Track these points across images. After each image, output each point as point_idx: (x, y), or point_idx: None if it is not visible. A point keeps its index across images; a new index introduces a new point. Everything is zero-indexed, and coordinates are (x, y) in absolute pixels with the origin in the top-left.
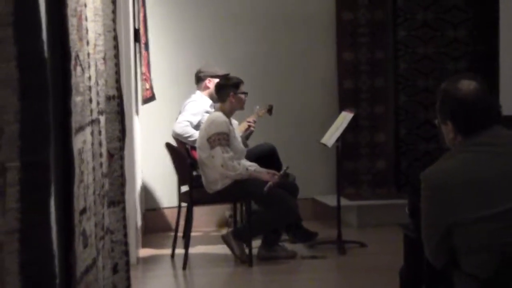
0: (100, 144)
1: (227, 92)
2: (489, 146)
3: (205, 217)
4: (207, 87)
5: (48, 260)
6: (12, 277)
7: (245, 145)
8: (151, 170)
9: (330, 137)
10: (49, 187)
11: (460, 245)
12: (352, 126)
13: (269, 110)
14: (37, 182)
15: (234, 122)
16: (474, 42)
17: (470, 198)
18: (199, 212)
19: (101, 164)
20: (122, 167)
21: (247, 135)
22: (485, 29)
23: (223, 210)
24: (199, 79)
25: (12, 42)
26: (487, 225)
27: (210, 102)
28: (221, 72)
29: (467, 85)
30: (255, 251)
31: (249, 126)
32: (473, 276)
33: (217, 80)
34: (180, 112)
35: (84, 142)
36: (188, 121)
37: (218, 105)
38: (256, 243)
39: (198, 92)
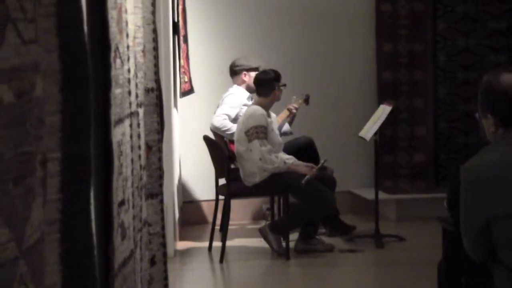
0: (139, 136)
1: (272, 86)
2: None
3: (242, 210)
4: (244, 81)
5: (88, 251)
6: (52, 267)
7: (290, 133)
8: (189, 162)
9: (369, 131)
10: (90, 178)
11: (500, 238)
12: (391, 119)
13: (306, 100)
14: (78, 173)
15: (272, 115)
16: None
17: (510, 192)
18: (236, 205)
19: (139, 157)
20: (160, 159)
21: (290, 121)
22: None
23: (260, 203)
24: (235, 73)
25: (55, 33)
26: None
27: (247, 94)
28: (256, 63)
29: (509, 78)
30: (292, 244)
31: (289, 110)
32: None
33: (252, 72)
34: (218, 106)
35: (123, 134)
36: (226, 114)
37: (256, 98)
38: (293, 236)
39: (235, 85)
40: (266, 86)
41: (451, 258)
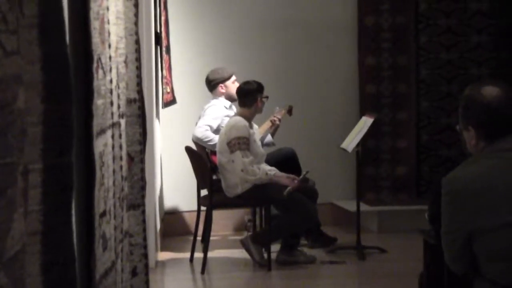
0: (121, 147)
1: (255, 96)
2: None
3: (224, 221)
4: (222, 93)
5: (69, 262)
6: (33, 279)
7: (272, 144)
8: (171, 173)
9: (350, 142)
10: (71, 189)
11: (482, 251)
12: (373, 132)
13: (289, 111)
14: (60, 184)
15: (254, 126)
16: (498, 48)
17: (492, 205)
18: (218, 216)
19: (121, 167)
20: (142, 170)
21: (272, 132)
22: (508, 34)
23: (242, 214)
24: (212, 87)
25: (37, 44)
26: (509, 232)
27: (228, 103)
28: (228, 73)
29: (490, 91)
30: (274, 255)
31: (272, 121)
32: (494, 283)
33: (227, 82)
34: (200, 117)
35: (105, 145)
36: (208, 125)
37: (239, 109)
38: (275, 247)
39: (215, 98)
40: (248, 97)
41: (432, 271)
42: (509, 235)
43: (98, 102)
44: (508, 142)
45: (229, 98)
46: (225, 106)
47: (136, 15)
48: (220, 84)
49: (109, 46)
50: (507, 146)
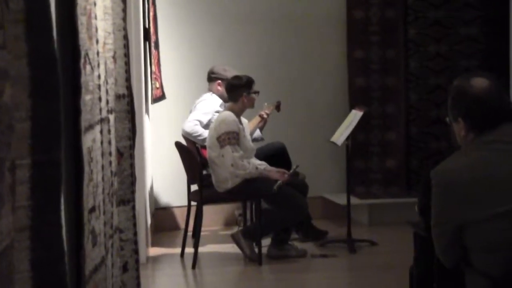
0: (109, 142)
1: (240, 92)
2: (501, 144)
3: (215, 216)
4: (218, 89)
5: (59, 258)
6: (22, 275)
7: (261, 139)
8: (161, 169)
9: (340, 136)
10: (60, 185)
11: (472, 243)
12: (363, 125)
13: (277, 107)
14: (48, 180)
15: (244, 120)
16: (486, 40)
17: (482, 196)
18: (208, 211)
19: (110, 163)
20: (132, 165)
21: (261, 127)
22: (497, 26)
23: (232, 209)
24: (211, 79)
25: (24, 39)
26: (499, 223)
27: (220, 101)
28: (231, 75)
29: (480, 82)
30: (264, 249)
31: (261, 116)
32: (485, 274)
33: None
34: (191, 111)
35: (93, 141)
36: (198, 120)
37: (228, 104)
38: (266, 242)
39: (209, 92)
40: (234, 92)
41: (423, 263)
42: (498, 226)
43: (86, 97)
44: (496, 133)
45: (223, 98)
46: (216, 104)
47: (124, 10)
48: (219, 81)
49: (97, 41)
50: (495, 137)
